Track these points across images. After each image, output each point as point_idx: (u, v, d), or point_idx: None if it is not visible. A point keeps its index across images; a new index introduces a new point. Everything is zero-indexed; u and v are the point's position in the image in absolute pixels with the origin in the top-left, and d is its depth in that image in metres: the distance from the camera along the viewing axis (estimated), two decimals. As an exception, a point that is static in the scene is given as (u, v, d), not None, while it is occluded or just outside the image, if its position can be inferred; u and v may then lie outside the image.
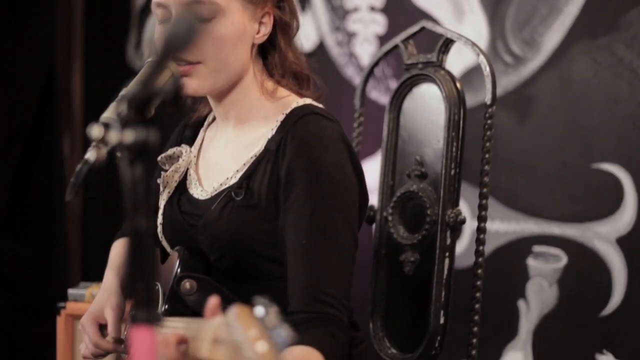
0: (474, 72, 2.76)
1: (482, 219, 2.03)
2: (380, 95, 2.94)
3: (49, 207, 3.44)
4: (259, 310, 1.21)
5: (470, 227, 2.75)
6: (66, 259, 3.49)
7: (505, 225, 2.74)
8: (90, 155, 1.51)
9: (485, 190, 2.03)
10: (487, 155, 2.04)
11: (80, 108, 3.67)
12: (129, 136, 1.16)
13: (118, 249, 2.03)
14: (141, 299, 1.17)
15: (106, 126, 1.42)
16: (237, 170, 1.76)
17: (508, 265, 2.75)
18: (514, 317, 2.73)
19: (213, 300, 1.29)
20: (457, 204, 2.04)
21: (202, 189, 1.82)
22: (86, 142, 1.53)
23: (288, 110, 1.77)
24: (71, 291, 2.60)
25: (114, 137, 1.18)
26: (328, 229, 1.66)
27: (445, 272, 2.03)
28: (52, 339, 2.69)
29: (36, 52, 3.47)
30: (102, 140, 1.43)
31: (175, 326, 1.51)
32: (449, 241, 2.03)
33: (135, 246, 1.17)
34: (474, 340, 2.02)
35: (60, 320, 2.60)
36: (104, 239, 3.40)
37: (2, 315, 3.34)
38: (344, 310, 1.65)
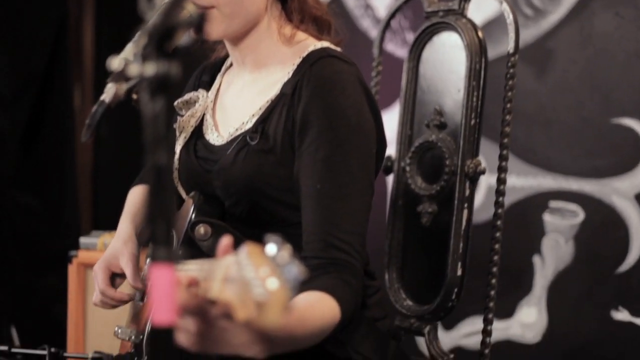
0: (492, 25, 2.71)
1: (502, 169, 2.00)
2: (396, 48, 2.90)
3: (59, 158, 3.43)
4: (271, 248, 1.19)
5: (485, 182, 2.71)
6: (76, 210, 3.48)
7: (522, 180, 2.71)
8: (106, 96, 1.48)
9: (506, 140, 2.00)
10: (508, 105, 2.00)
11: (91, 59, 3.64)
12: (150, 69, 1.13)
13: (135, 196, 2.00)
14: (161, 237, 1.14)
15: (125, 64, 1.38)
16: (253, 115, 1.73)
17: (524, 220, 2.72)
18: (528, 272, 2.71)
19: (225, 240, 1.27)
20: (476, 154, 2.01)
21: (218, 135, 1.79)
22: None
23: (305, 54, 1.73)
24: (83, 240, 2.58)
25: (134, 70, 1.14)
26: (343, 173, 1.62)
27: (464, 223, 2.00)
28: (64, 289, 2.68)
29: (47, 2, 3.43)
30: (122, 74, 1.39)
31: (187, 269, 1.49)
32: (468, 192, 2.00)
33: (155, 182, 1.14)
34: (492, 292, 2.00)
35: (72, 269, 2.59)
36: (115, 189, 3.39)
37: (13, 267, 3.34)
38: (358, 257, 1.61)
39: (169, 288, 1.14)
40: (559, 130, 2.68)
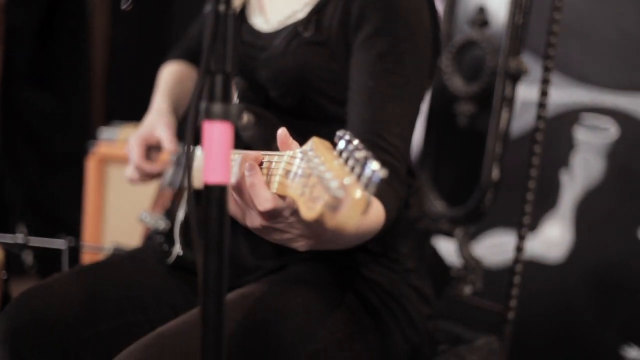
0: None
1: (548, 70, 1.92)
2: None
3: (73, 55, 3.37)
4: (341, 143, 1.10)
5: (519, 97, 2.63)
6: (90, 108, 3.44)
7: (555, 92, 2.63)
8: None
9: (552, 38, 1.92)
10: (558, 3, 1.92)
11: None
12: None
13: (170, 72, 1.92)
14: (217, 91, 1.07)
15: None
16: (306, 4, 1.63)
17: (554, 134, 2.65)
18: (556, 188, 2.65)
19: (283, 133, 1.23)
20: (519, 53, 1.93)
21: (265, 20, 1.69)
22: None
23: None
24: (103, 130, 2.50)
25: None
26: (397, 73, 1.53)
27: (503, 124, 1.93)
28: (79, 187, 2.63)
29: None
30: None
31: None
32: (509, 91, 1.92)
33: (214, 30, 1.07)
34: (528, 196, 1.93)
35: (91, 161, 2.52)
36: (128, 88, 3.32)
37: (26, 165, 3.30)
38: (403, 162, 1.53)
39: (223, 147, 1.07)
40: (596, 42, 2.60)
